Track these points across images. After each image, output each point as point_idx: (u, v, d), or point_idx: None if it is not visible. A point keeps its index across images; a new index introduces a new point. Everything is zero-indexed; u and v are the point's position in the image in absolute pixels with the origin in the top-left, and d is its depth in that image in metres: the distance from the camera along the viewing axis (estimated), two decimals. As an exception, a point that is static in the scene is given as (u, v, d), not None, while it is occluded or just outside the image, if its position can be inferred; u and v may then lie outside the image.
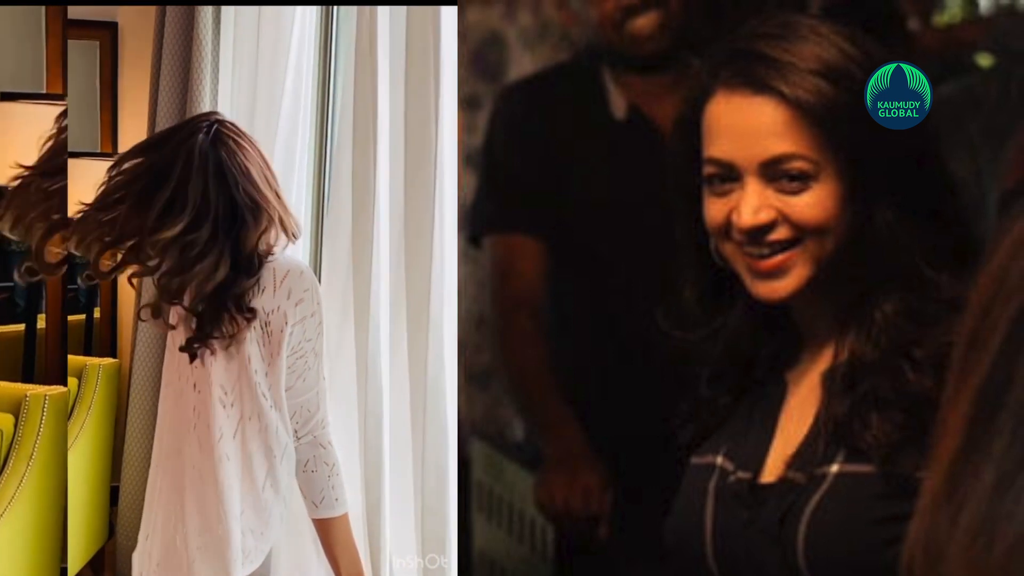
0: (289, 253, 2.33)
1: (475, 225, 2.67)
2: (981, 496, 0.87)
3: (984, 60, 2.52)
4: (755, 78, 1.48)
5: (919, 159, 1.50)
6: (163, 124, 2.85)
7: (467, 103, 2.93)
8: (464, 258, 2.72)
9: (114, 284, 3.12)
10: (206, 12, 2.75)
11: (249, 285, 2.22)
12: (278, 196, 2.28)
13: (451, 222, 2.58)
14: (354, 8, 2.68)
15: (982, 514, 0.87)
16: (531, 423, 2.72)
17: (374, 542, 2.59)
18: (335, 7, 2.83)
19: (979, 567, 0.86)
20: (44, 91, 3.05)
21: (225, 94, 2.78)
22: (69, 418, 2.83)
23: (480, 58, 3.09)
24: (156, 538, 2.31)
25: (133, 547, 2.60)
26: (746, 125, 1.49)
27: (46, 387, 2.80)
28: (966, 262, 1.45)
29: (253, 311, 2.22)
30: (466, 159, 2.82)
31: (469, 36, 3.04)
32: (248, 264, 2.23)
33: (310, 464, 2.29)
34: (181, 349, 2.26)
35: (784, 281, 1.49)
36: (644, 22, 2.52)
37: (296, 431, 2.29)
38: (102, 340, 3.12)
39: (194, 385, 2.28)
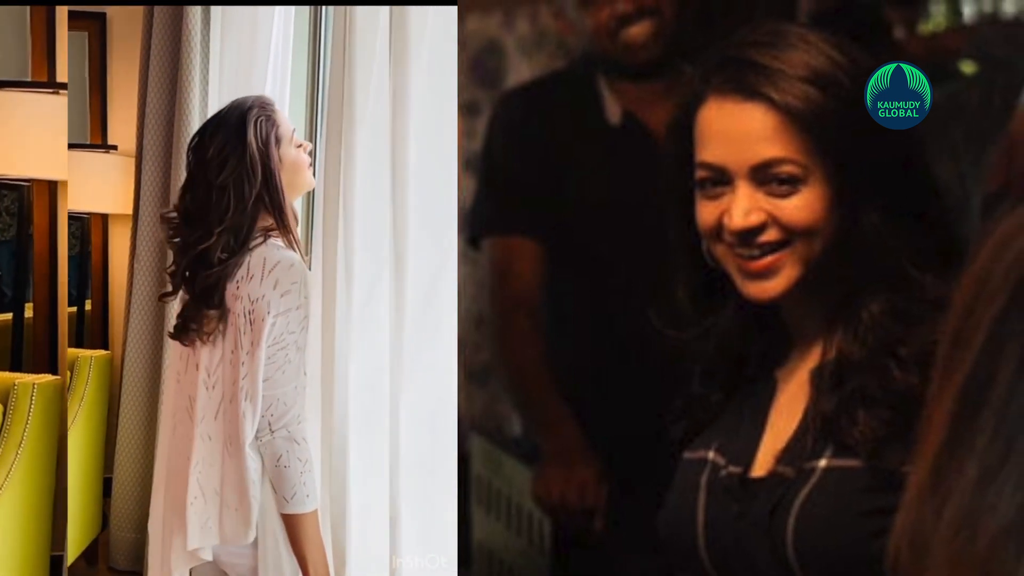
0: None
1: (474, 227, 2.67)
2: (964, 490, 0.87)
3: (967, 67, 2.51)
4: (746, 85, 1.48)
5: (905, 163, 1.50)
6: (153, 115, 2.83)
7: (467, 109, 2.92)
8: (464, 259, 2.72)
9: (105, 277, 3.10)
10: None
11: (226, 271, 2.23)
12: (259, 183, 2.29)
13: (414, 218, 2.57)
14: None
15: (965, 507, 0.87)
16: (529, 419, 2.72)
17: (338, 536, 2.57)
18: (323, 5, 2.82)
19: (962, 559, 0.86)
20: (30, 79, 3.01)
21: (214, 85, 2.76)
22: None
23: (479, 65, 3.08)
24: (161, 508, 2.35)
25: (126, 538, 2.60)
26: (737, 130, 1.49)
27: (35, 376, 2.77)
28: (950, 263, 1.45)
29: (221, 301, 2.23)
30: (466, 163, 2.82)
31: (468, 44, 3.03)
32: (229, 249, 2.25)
33: (283, 459, 2.22)
34: (171, 336, 2.29)
35: (774, 281, 1.49)
36: (638, 31, 2.52)
37: (271, 424, 2.23)
38: (93, 332, 3.09)
39: (194, 366, 2.30)
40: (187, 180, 2.33)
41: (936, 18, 2.67)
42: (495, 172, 2.66)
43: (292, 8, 2.77)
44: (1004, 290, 0.90)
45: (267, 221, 2.29)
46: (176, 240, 2.31)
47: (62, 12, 2.99)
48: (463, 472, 2.70)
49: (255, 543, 2.29)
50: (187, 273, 2.28)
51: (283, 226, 2.29)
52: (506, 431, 2.96)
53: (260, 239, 2.27)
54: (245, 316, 2.21)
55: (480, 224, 2.66)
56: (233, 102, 2.35)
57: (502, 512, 2.75)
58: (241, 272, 2.23)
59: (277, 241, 2.29)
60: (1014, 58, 2.45)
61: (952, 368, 0.92)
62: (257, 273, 2.22)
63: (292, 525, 2.25)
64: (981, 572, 0.85)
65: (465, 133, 2.86)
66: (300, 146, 2.36)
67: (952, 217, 1.54)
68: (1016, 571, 0.84)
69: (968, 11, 2.65)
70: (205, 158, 2.28)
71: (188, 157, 2.34)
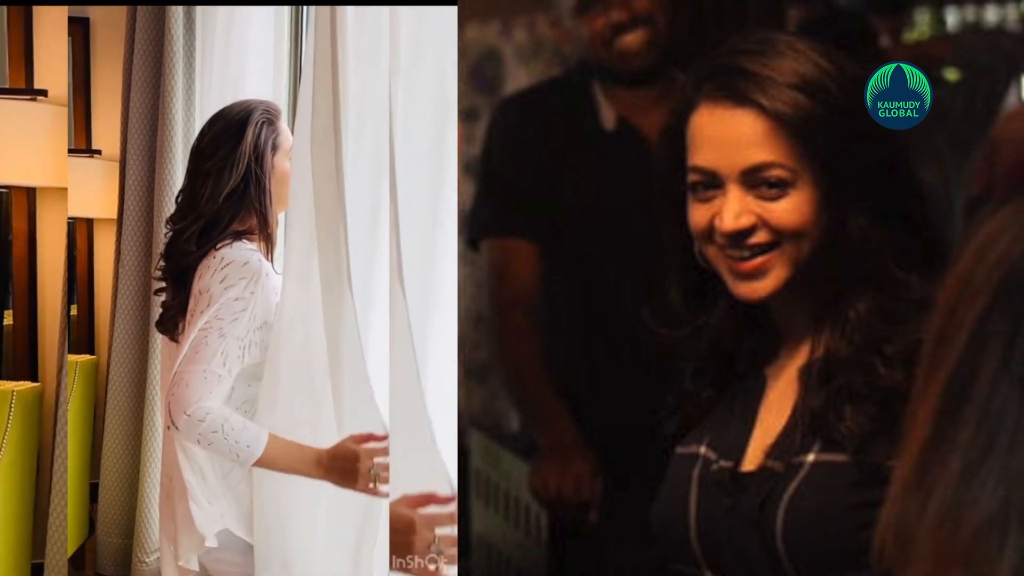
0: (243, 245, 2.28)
1: (473, 229, 2.67)
2: (948, 483, 0.87)
3: (951, 74, 2.52)
4: (736, 91, 1.48)
5: (890, 167, 1.51)
6: (137, 119, 2.80)
7: (466, 115, 2.92)
8: (463, 260, 2.72)
9: (90, 281, 3.06)
10: (177, 8, 2.71)
11: (195, 260, 2.22)
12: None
13: (385, 214, 2.55)
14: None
15: (949, 500, 0.87)
16: (526, 415, 2.71)
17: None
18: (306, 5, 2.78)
19: (946, 551, 0.86)
20: (8, 86, 2.95)
21: (197, 88, 2.74)
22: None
23: (478, 72, 3.08)
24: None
25: (113, 543, 2.56)
26: (728, 135, 1.49)
27: (14, 383, 2.71)
28: (934, 264, 1.45)
29: (183, 290, 2.22)
30: (465, 167, 2.82)
31: (468, 52, 3.04)
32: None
33: (202, 441, 2.11)
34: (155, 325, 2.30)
35: (763, 282, 1.49)
36: (632, 39, 2.52)
37: (171, 407, 2.11)
38: (79, 337, 3.02)
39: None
40: (186, 171, 2.34)
41: (921, 27, 2.68)
42: (493, 176, 2.65)
43: (271, 9, 2.74)
44: (986, 290, 0.90)
45: (247, 224, 2.27)
46: (169, 230, 2.31)
47: (60, 16, 2.94)
48: (463, 466, 2.70)
49: (249, 549, 2.23)
50: (167, 262, 2.28)
51: (265, 230, 2.27)
52: (504, 427, 2.96)
53: (229, 240, 2.24)
54: (195, 313, 2.18)
55: (479, 226, 2.66)
56: (240, 102, 2.34)
57: (500, 505, 2.75)
58: (202, 271, 2.21)
59: (247, 244, 2.26)
60: (996, 65, 2.46)
61: (936, 366, 0.92)
62: (211, 269, 2.19)
63: (267, 464, 2.16)
64: (964, 563, 0.85)
65: (464, 138, 2.86)
66: None
67: (936, 219, 1.54)
68: (998, 562, 0.84)
69: (952, 20, 2.66)
70: (200, 146, 2.27)
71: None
